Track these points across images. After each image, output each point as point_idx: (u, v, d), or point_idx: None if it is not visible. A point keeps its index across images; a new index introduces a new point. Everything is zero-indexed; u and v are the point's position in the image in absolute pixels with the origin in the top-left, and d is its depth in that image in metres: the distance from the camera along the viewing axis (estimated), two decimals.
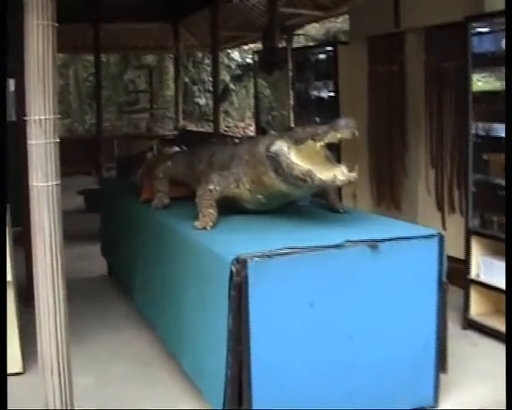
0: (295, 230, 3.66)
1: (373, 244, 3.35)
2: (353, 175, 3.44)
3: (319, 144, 3.47)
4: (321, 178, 3.45)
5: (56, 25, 2.68)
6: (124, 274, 5.45)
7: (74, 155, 13.35)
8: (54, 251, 2.74)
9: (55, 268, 2.75)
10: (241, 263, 3.06)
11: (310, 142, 3.51)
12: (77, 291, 5.86)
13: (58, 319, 2.79)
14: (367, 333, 3.37)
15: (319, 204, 4.32)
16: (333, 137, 3.41)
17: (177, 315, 3.87)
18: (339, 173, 3.43)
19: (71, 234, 8.33)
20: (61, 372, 2.80)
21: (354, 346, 3.34)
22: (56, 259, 2.75)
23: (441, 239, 3.52)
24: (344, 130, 3.37)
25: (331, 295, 3.28)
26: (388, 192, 6.47)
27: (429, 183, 5.87)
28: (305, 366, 3.23)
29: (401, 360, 3.47)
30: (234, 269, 3.07)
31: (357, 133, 3.38)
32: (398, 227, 3.80)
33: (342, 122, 3.40)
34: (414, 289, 3.48)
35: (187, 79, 17.81)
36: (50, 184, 2.71)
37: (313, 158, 3.54)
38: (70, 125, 17.24)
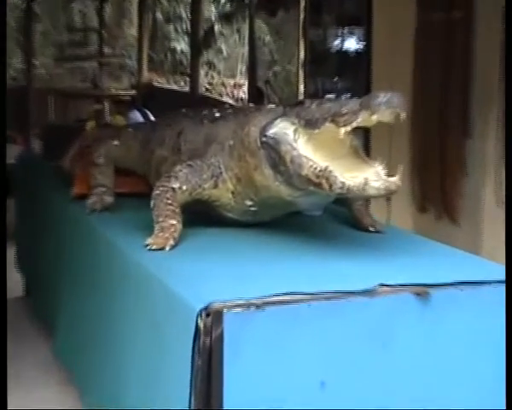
0: (299, 260, 3.34)
1: (421, 291, 3.00)
2: (395, 181, 3.08)
3: (344, 130, 3.11)
4: (344, 183, 3.10)
5: None
6: (43, 300, 5.24)
7: None
8: None
9: None
10: (213, 315, 2.71)
11: (329, 125, 3.16)
12: None
13: None
14: None
15: (338, 216, 4.05)
16: (366, 120, 3.05)
17: (117, 381, 3.55)
18: (372, 177, 3.07)
19: None
20: None
21: None
22: None
23: None
24: (383, 110, 2.99)
25: (353, 369, 2.94)
26: (438, 196, 6.27)
27: (501, 187, 5.50)
28: None
29: None
30: (202, 324, 2.72)
31: (403, 116, 3.01)
32: (460, 263, 3.47)
33: (381, 98, 3.01)
34: (476, 354, 3.15)
35: (159, 15, 17.53)
36: None
37: (334, 150, 3.22)
38: None
